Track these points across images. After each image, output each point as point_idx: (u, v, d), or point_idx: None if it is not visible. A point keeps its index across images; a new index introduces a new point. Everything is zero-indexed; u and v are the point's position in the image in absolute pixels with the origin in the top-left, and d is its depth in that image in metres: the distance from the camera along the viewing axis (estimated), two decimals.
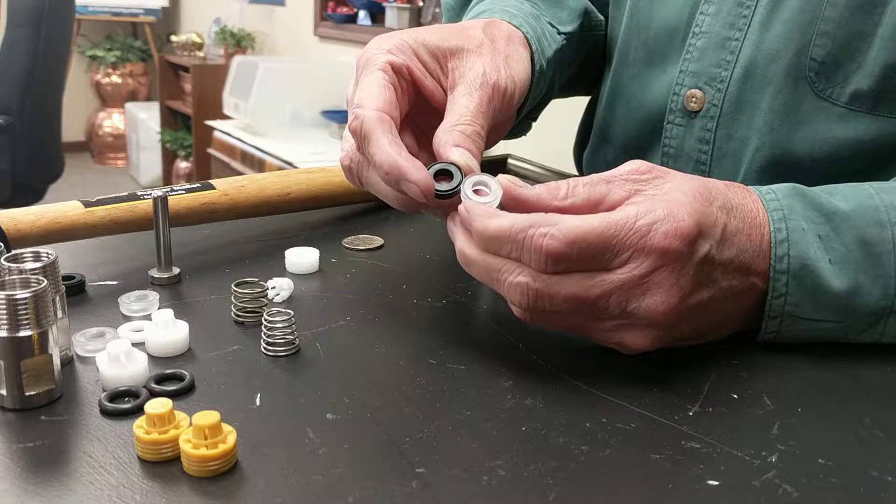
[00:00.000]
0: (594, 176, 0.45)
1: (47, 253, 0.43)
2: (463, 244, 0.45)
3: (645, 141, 0.68)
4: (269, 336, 0.45)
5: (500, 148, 0.73)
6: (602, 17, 0.76)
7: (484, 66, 0.53)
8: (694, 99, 0.63)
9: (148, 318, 0.49)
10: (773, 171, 0.59)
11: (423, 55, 0.53)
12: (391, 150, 0.47)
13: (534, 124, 0.75)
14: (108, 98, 5.43)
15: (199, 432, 0.35)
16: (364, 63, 0.52)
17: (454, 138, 0.49)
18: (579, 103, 0.85)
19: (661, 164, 0.65)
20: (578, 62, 0.75)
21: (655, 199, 0.43)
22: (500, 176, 0.46)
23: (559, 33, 0.68)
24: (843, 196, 0.47)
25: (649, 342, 0.43)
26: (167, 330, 0.45)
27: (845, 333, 0.46)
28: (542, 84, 0.65)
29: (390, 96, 0.50)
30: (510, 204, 0.45)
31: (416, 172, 0.46)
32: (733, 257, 0.44)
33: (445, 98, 0.52)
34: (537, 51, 0.61)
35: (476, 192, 0.46)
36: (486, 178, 0.46)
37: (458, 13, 0.75)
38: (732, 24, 0.61)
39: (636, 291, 0.42)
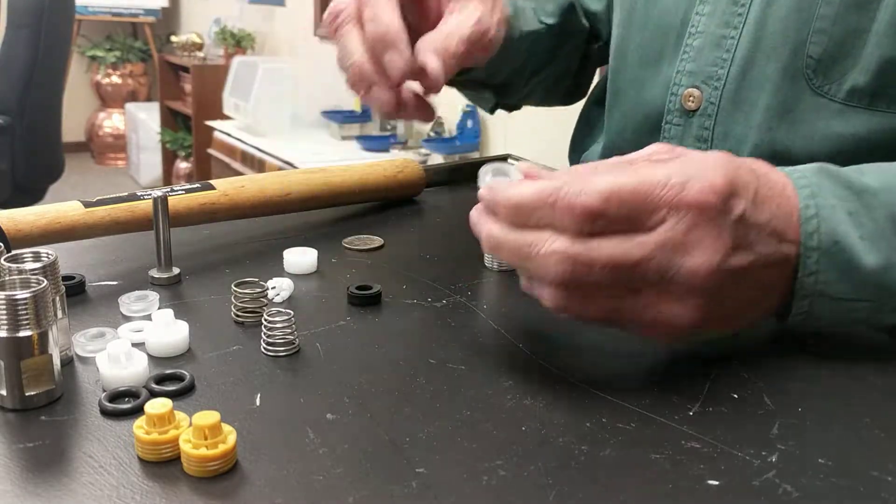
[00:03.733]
0: (616, 158, 0.45)
1: (47, 253, 0.43)
2: (490, 225, 0.43)
3: (643, 141, 0.68)
4: (269, 336, 0.45)
5: (500, 148, 0.73)
6: (585, 25, 0.79)
7: (481, 12, 0.60)
8: (691, 98, 0.63)
9: (148, 318, 0.49)
10: None
11: None
12: (395, 18, 0.55)
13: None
14: (108, 98, 5.43)
15: (199, 432, 0.35)
16: None
17: (440, 44, 0.56)
18: (579, 103, 0.85)
19: None
20: (560, 65, 0.79)
21: (684, 162, 0.42)
22: (520, 163, 0.46)
23: (539, 21, 0.73)
24: (873, 174, 0.47)
25: (690, 313, 0.41)
26: (167, 330, 0.45)
27: (877, 312, 0.45)
28: (513, 56, 0.70)
29: None
30: None
31: (406, 48, 0.54)
32: (767, 221, 0.43)
33: (434, 18, 0.59)
34: (513, 17, 0.67)
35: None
36: (505, 166, 0.46)
37: None
38: (727, 23, 0.61)
39: (676, 252, 0.40)
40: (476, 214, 0.45)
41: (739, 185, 0.42)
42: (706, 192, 0.41)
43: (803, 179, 0.45)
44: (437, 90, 0.58)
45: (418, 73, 0.56)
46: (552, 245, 0.40)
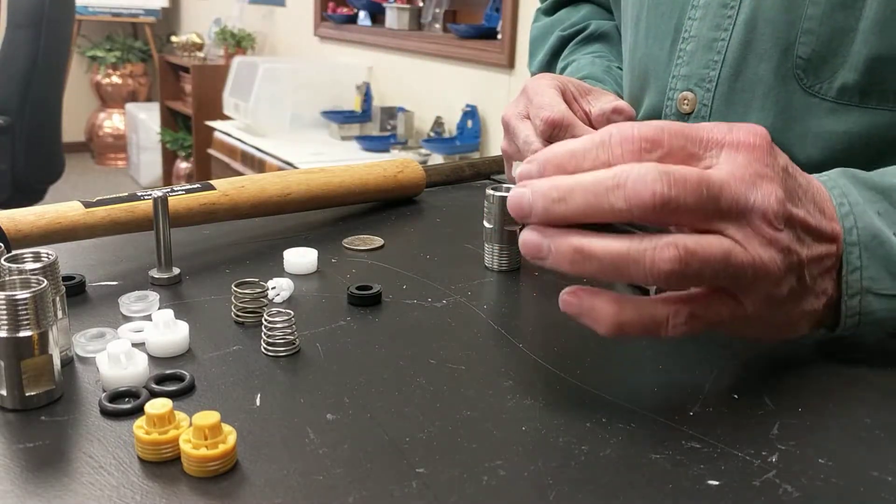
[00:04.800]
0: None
1: (47, 253, 0.43)
2: (550, 178, 0.39)
3: None
4: (269, 336, 0.45)
5: (498, 150, 0.74)
6: None
7: (616, 96, 0.69)
8: (686, 101, 0.65)
9: (148, 318, 0.49)
10: None
11: (571, 87, 0.68)
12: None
13: None
14: (108, 98, 5.43)
15: (199, 432, 0.35)
16: (535, 86, 0.67)
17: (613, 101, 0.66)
18: None
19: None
20: None
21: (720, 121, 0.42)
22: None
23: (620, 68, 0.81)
24: (893, 174, 0.47)
25: (775, 259, 0.39)
26: (167, 330, 0.45)
27: None
28: None
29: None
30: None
31: (582, 125, 0.64)
32: (806, 185, 0.43)
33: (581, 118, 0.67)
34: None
35: None
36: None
37: (546, 69, 0.89)
38: (718, 26, 0.62)
39: (745, 185, 0.38)
40: (517, 188, 0.40)
41: (776, 145, 0.41)
42: (752, 135, 0.40)
43: (830, 181, 0.45)
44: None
45: None
46: (642, 167, 0.37)
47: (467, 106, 2.70)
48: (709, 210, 0.38)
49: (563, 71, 0.85)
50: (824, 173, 0.46)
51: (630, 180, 0.37)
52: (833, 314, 0.44)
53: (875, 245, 0.43)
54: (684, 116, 0.65)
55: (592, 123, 0.67)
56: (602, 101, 0.68)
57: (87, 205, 0.56)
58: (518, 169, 0.42)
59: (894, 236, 0.44)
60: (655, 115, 0.68)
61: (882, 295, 0.44)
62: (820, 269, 0.43)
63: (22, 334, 0.38)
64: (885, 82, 0.56)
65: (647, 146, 0.39)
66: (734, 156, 0.39)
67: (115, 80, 5.41)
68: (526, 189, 0.39)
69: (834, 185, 0.45)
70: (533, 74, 0.81)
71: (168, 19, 5.49)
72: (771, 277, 0.40)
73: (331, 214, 0.71)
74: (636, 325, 0.39)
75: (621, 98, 0.73)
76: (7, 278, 0.40)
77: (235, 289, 0.50)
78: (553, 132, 0.64)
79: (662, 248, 0.37)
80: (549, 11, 0.93)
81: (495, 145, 2.61)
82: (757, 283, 0.40)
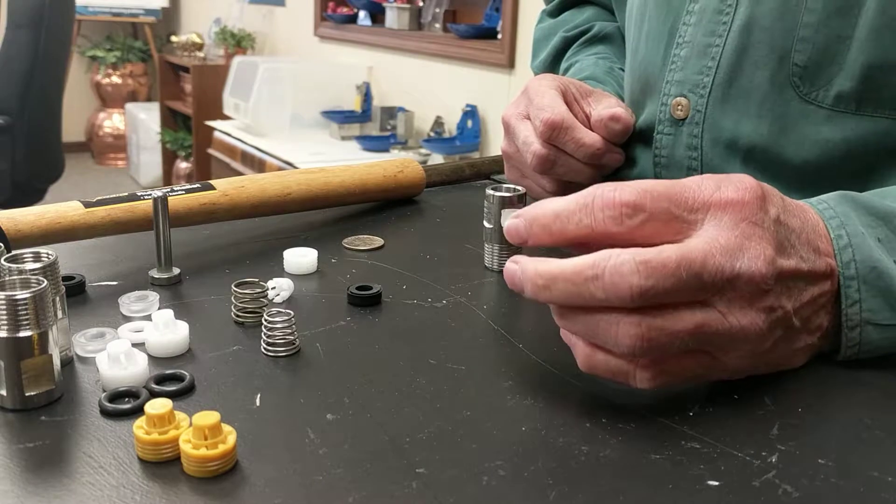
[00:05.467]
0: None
1: (47, 253, 0.43)
2: (536, 263, 0.40)
3: (638, 152, 0.71)
4: (269, 336, 0.45)
5: (498, 150, 0.74)
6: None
7: (617, 101, 0.70)
8: (680, 107, 0.64)
9: (148, 318, 0.49)
10: (766, 174, 0.60)
11: (573, 88, 0.69)
12: (595, 136, 0.65)
13: None
14: (108, 98, 5.43)
15: (199, 433, 0.35)
16: (535, 87, 0.68)
17: (614, 105, 0.67)
18: None
19: (654, 174, 0.68)
20: None
21: (708, 174, 0.41)
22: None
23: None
24: (894, 196, 0.47)
25: (761, 321, 0.39)
26: (167, 330, 0.45)
27: None
28: None
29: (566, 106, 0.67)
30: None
31: (583, 127, 0.66)
32: (800, 228, 0.42)
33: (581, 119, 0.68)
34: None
35: None
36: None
37: (549, 69, 0.90)
38: (713, 32, 0.62)
39: (732, 250, 0.38)
40: (510, 264, 0.41)
41: (768, 190, 0.41)
42: (741, 191, 0.40)
43: (829, 210, 0.45)
44: (626, 136, 0.67)
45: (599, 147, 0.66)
46: (619, 257, 0.37)
47: (467, 106, 2.70)
48: (691, 288, 0.38)
49: (565, 72, 0.85)
50: (824, 198, 0.46)
51: (607, 272, 0.37)
52: (831, 342, 0.45)
53: (873, 277, 0.43)
54: (678, 122, 0.64)
55: (592, 126, 0.67)
56: (602, 104, 0.68)
57: (87, 205, 0.56)
58: (507, 221, 0.43)
59: (894, 263, 0.44)
60: (650, 122, 0.68)
61: (881, 325, 0.44)
62: (813, 308, 0.43)
63: (22, 334, 0.38)
64: (882, 90, 0.55)
65: (629, 211, 0.39)
66: (721, 217, 0.39)
67: (115, 80, 5.41)
68: (517, 267, 0.41)
69: (833, 214, 0.44)
70: (536, 75, 0.81)
71: (168, 19, 5.49)
72: (752, 338, 0.40)
73: (331, 214, 0.71)
74: (604, 372, 0.41)
75: (622, 100, 0.73)
76: (7, 278, 0.40)
77: (235, 289, 0.50)
78: (552, 134, 0.64)
79: (626, 324, 0.38)
80: (554, 13, 0.94)
81: (495, 145, 2.61)
82: (735, 344, 0.40)
